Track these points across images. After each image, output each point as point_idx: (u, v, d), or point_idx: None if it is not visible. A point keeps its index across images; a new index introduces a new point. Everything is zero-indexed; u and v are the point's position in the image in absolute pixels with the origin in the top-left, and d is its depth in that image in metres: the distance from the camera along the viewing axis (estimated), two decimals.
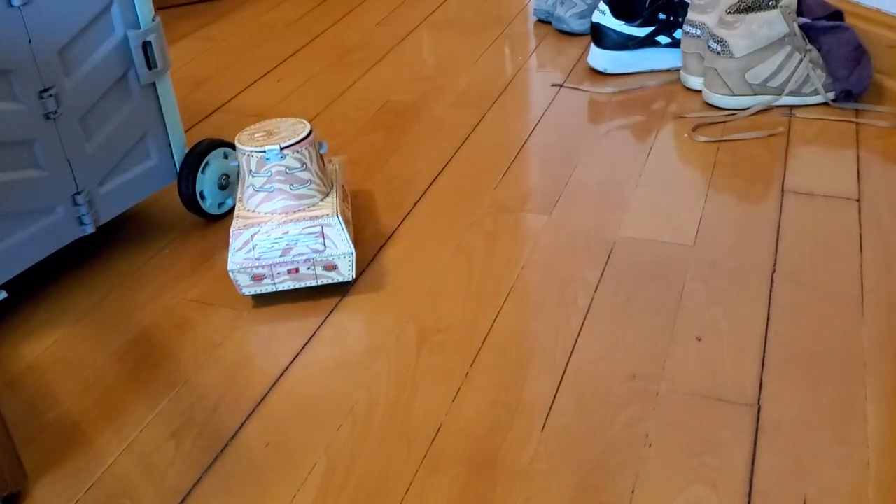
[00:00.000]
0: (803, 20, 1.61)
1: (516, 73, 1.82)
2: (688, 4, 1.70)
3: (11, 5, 1.05)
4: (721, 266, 1.20)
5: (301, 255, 1.15)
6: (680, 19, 1.73)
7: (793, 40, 1.54)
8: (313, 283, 1.17)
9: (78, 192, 1.18)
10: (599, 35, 1.74)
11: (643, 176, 1.42)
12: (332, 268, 1.16)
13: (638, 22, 1.72)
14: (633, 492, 0.88)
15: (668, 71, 1.77)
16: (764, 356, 1.04)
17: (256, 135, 1.17)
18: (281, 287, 1.17)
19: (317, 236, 1.14)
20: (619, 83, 1.74)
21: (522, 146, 1.54)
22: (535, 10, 2.06)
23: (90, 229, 1.21)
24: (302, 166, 1.16)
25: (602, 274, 1.20)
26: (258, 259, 1.14)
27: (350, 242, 1.15)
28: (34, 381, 1.08)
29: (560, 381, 1.03)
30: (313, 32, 2.11)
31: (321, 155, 1.20)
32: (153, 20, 1.22)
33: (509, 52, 1.92)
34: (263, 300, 1.19)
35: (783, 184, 1.37)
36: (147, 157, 1.28)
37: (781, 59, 1.54)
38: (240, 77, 1.89)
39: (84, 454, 0.97)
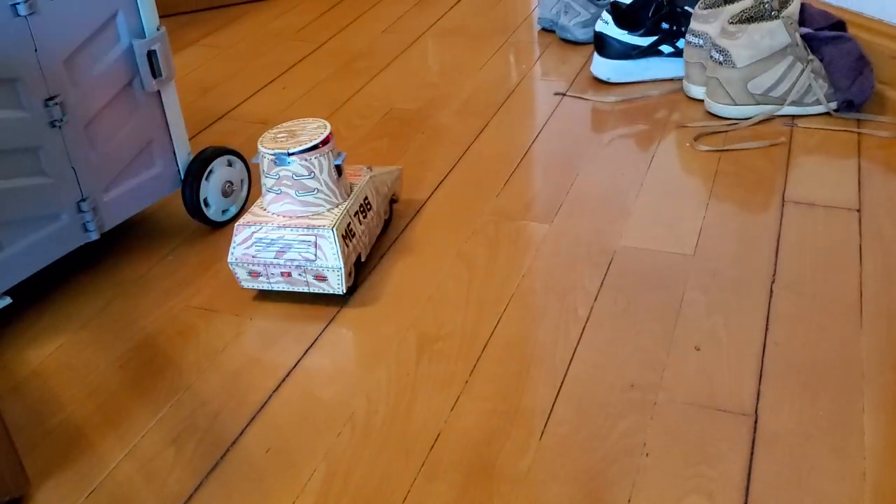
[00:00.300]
0: (805, 30, 1.61)
1: (520, 82, 1.83)
2: (690, 14, 1.71)
3: (18, 15, 1.06)
4: (721, 275, 1.20)
5: (293, 260, 1.16)
6: (683, 29, 1.73)
7: (795, 50, 1.54)
8: (305, 289, 1.19)
9: (83, 199, 1.19)
10: (602, 44, 1.75)
11: (645, 185, 1.43)
12: (322, 279, 1.17)
13: (641, 31, 1.72)
14: (629, 501, 0.89)
15: (670, 80, 1.77)
16: (762, 366, 1.05)
17: (279, 135, 1.20)
18: (276, 287, 1.19)
19: (310, 245, 1.15)
20: (622, 92, 1.74)
21: (525, 154, 1.55)
22: (539, 18, 2.07)
23: (95, 236, 1.22)
24: (309, 174, 1.17)
25: (602, 283, 1.21)
26: (254, 256, 1.17)
27: (340, 258, 1.15)
28: (38, 386, 1.09)
29: (559, 390, 1.03)
30: (319, 40, 2.12)
31: (337, 166, 1.20)
32: (158, 29, 1.23)
33: (514, 60, 1.93)
34: (265, 307, 1.20)
35: (784, 194, 1.38)
36: (151, 164, 1.29)
37: (783, 70, 1.55)
38: (245, 84, 1.90)
39: (86, 459, 0.98)
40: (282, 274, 1.18)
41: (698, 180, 1.43)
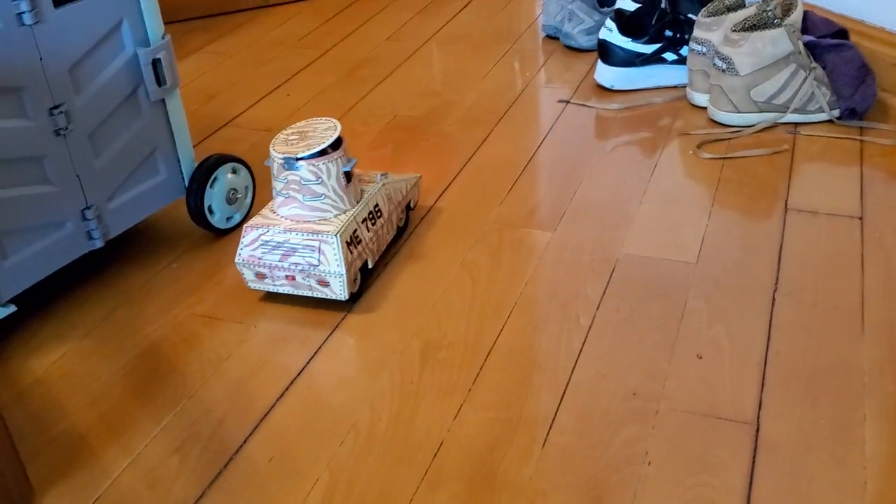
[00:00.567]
0: (808, 38, 1.62)
1: (524, 89, 1.83)
2: (694, 22, 1.71)
3: (23, 24, 1.07)
4: (724, 283, 1.20)
5: (297, 264, 1.17)
6: (686, 36, 1.74)
7: (797, 58, 1.55)
8: (308, 293, 1.19)
9: (87, 207, 1.20)
10: (606, 52, 1.75)
11: (648, 192, 1.43)
12: (325, 284, 1.17)
13: (644, 39, 1.73)
14: None
15: (673, 88, 1.78)
16: (764, 375, 1.05)
17: (291, 136, 1.21)
18: (281, 290, 1.21)
19: (314, 250, 1.16)
20: (626, 99, 1.75)
21: (529, 161, 1.55)
22: (543, 25, 2.07)
23: (99, 244, 1.23)
24: (317, 180, 1.17)
25: (605, 291, 1.21)
26: (260, 258, 1.18)
27: (343, 264, 1.15)
28: (42, 394, 1.10)
29: (561, 398, 1.03)
30: (323, 47, 2.13)
31: (346, 172, 1.20)
32: (163, 38, 1.24)
33: (518, 67, 1.94)
34: (270, 314, 1.21)
35: (787, 201, 1.38)
36: (156, 172, 1.30)
37: (786, 77, 1.55)
38: (249, 91, 1.91)
39: (90, 468, 0.98)
40: (286, 277, 1.18)
41: (701, 188, 1.43)
